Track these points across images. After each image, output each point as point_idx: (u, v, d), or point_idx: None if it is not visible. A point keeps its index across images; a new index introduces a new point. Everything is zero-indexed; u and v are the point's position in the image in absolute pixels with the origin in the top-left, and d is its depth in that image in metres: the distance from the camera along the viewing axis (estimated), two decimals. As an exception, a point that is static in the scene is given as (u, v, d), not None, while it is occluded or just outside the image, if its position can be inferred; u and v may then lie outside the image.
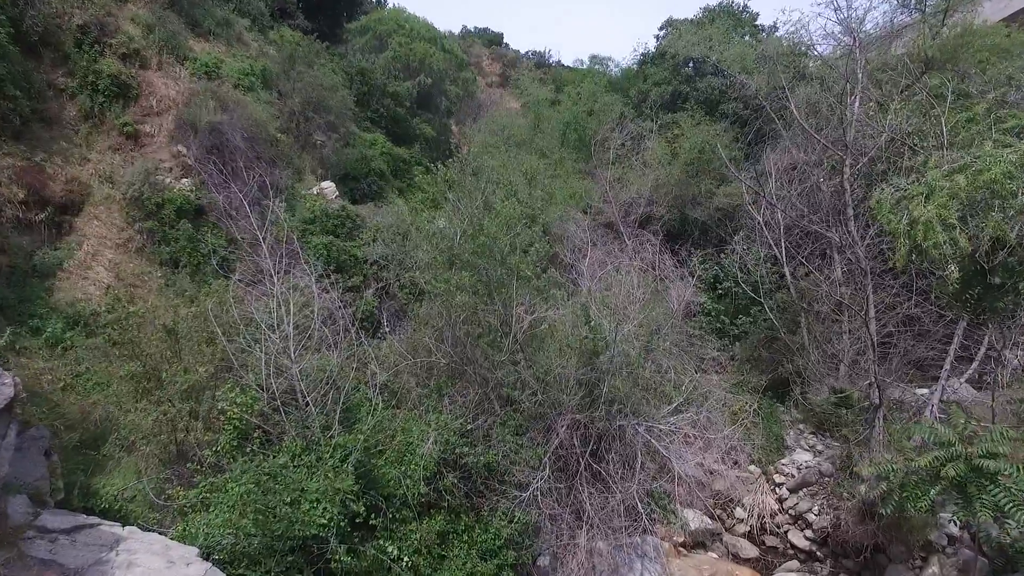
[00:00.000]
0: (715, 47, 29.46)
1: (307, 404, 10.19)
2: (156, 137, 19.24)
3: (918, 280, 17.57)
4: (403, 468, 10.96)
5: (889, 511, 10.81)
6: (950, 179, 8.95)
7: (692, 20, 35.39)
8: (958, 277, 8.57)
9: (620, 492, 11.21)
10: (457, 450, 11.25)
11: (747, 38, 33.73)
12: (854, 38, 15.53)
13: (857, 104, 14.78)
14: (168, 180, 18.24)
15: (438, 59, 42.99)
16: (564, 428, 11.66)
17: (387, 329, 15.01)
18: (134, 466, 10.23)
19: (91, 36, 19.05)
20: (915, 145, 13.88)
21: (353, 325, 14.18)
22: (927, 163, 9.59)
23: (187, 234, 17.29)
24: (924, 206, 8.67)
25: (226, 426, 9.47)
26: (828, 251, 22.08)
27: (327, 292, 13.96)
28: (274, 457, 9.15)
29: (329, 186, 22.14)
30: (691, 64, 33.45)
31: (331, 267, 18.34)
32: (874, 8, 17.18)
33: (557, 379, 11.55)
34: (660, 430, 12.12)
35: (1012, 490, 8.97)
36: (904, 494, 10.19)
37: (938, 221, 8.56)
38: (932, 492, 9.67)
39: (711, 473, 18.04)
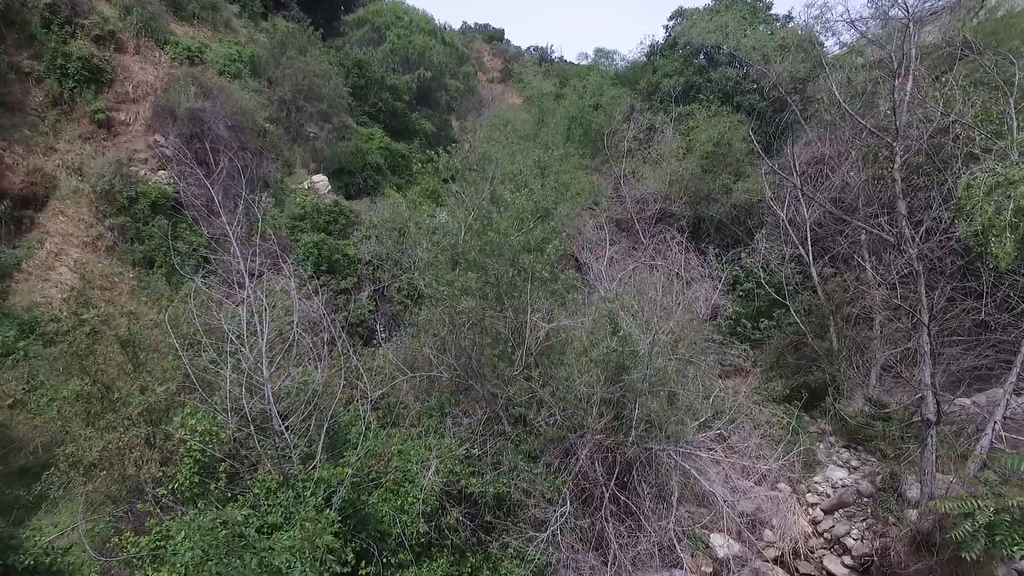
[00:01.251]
0: (731, 35, 27.83)
1: (284, 430, 8.55)
2: (131, 126, 17.64)
3: (967, 280, 15.98)
4: (399, 502, 9.34)
5: (975, 555, 9.19)
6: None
7: (704, 9, 33.76)
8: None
9: (654, 531, 9.58)
10: (462, 481, 9.62)
11: (762, 27, 32.16)
12: (907, 10, 13.90)
13: (910, 85, 13.14)
14: (143, 172, 16.64)
15: (438, 53, 41.87)
16: (586, 453, 10.03)
17: (382, 337, 13.40)
18: (75, 506, 8.60)
19: (61, 16, 17.45)
20: (980, 130, 12.25)
21: (342, 333, 12.57)
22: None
23: (163, 231, 15.66)
24: (1033, 193, 7.08)
25: (184, 459, 7.82)
26: (857, 250, 20.54)
27: (315, 296, 12.35)
28: (238, 504, 7.50)
29: (321, 180, 20.53)
30: (703, 54, 31.85)
31: (322, 267, 16.73)
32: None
33: (578, 397, 9.93)
34: (697, 455, 10.46)
35: None
36: (996, 536, 8.59)
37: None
38: (1033, 536, 8.09)
39: (736, 492, 16.51)
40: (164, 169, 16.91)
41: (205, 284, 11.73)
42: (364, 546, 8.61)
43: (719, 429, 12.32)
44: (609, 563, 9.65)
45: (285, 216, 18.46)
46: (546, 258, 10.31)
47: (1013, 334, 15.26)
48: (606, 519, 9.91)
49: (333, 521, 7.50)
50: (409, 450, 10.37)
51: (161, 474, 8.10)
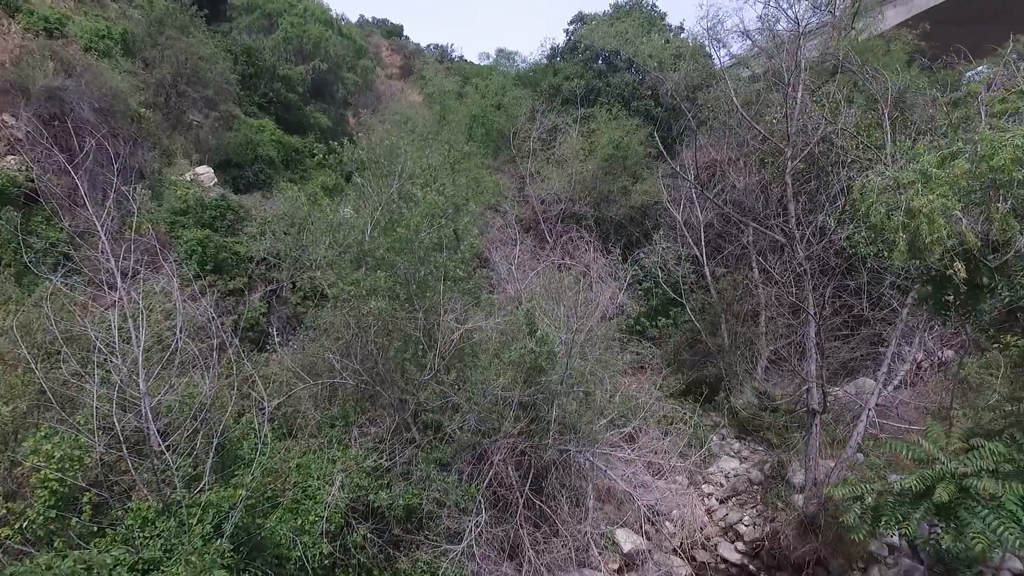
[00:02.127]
0: (630, 41, 28.66)
1: (164, 449, 7.52)
2: (-29, 103, 15.27)
3: (847, 279, 17.25)
4: (299, 522, 8.55)
5: (862, 536, 9.76)
6: (947, 166, 7.91)
7: (604, 15, 34.60)
8: (964, 277, 7.53)
9: (570, 535, 9.40)
10: (370, 495, 8.97)
11: (656, 36, 33.41)
12: (797, 23, 14.77)
13: (800, 92, 13.96)
14: (-13, 157, 14.44)
15: (334, 44, 40.35)
16: (500, 458, 9.69)
17: (278, 341, 12.36)
18: None
19: None
20: (861, 139, 13.19)
21: (234, 338, 11.47)
22: (913, 149, 8.58)
23: (12, 224, 13.63)
24: (924, 195, 7.54)
25: (37, 491, 6.63)
26: (747, 251, 21.71)
27: (201, 297, 11.13)
28: (106, 539, 6.45)
29: (206, 172, 18.84)
30: (603, 59, 32.64)
31: (208, 267, 15.27)
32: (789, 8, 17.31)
33: (494, 401, 9.57)
34: (611, 455, 10.42)
35: (1004, 512, 8.07)
36: (882, 517, 9.16)
37: (940, 213, 7.45)
38: (917, 516, 8.68)
39: (641, 487, 16.88)
40: (13, 154, 14.75)
41: (66, 285, 10.25)
42: (261, 575, 7.78)
43: (630, 428, 12.40)
44: (524, 572, 9.37)
45: (164, 210, 16.72)
46: (460, 256, 9.86)
47: (886, 329, 16.68)
48: (521, 525, 9.63)
49: (224, 552, 6.65)
50: (310, 464, 9.57)
51: (6, 511, 6.82)
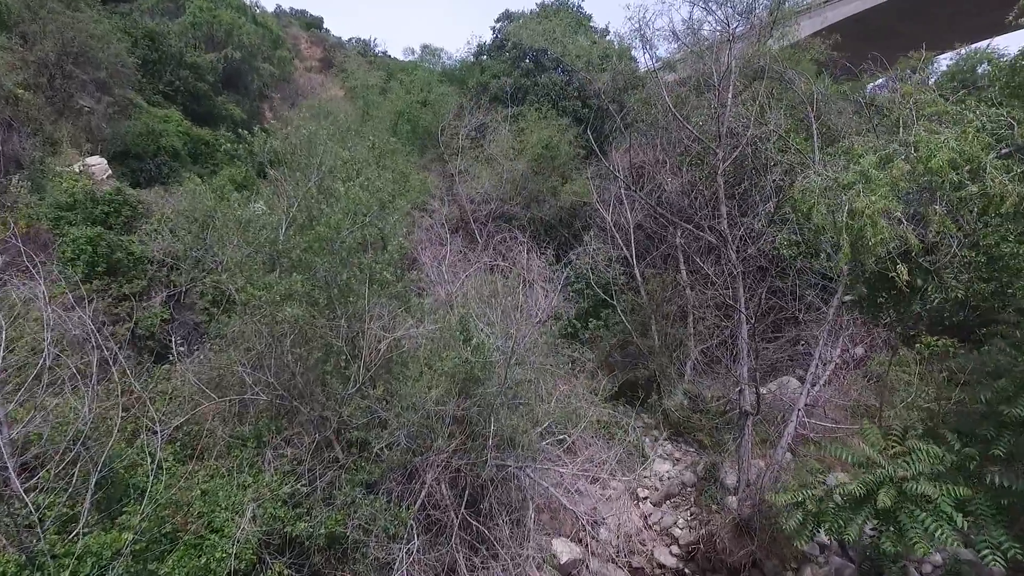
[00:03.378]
0: (559, 40, 28.41)
1: (28, 488, 6.24)
2: None
3: (777, 279, 17.53)
4: (203, 561, 7.42)
5: (805, 542, 9.63)
6: (886, 167, 7.81)
7: (532, 14, 34.30)
8: (905, 279, 7.43)
9: (510, 557, 8.71)
10: (288, 527, 7.94)
11: (581, 38, 33.44)
12: (728, 25, 14.76)
13: (730, 94, 13.93)
14: None
15: (248, 32, 38.51)
16: (433, 477, 8.87)
17: (180, 352, 10.97)
18: None
19: None
20: (792, 140, 13.30)
21: (127, 350, 10.07)
22: (851, 151, 8.49)
23: None
24: (867, 196, 7.38)
25: None
26: (674, 251, 21.84)
27: (84, 304, 9.65)
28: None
29: (99, 163, 16.90)
30: (530, 58, 32.32)
31: (98, 268, 13.54)
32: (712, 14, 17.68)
33: (427, 415, 8.73)
34: (549, 468, 9.81)
35: (940, 513, 8.07)
36: (823, 523, 9.04)
37: (881, 214, 7.31)
38: (859, 521, 8.58)
39: (576, 494, 16.51)
40: None
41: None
42: (154, 629, 6.63)
43: (568, 437, 11.87)
44: (461, 599, 8.62)
45: (47, 204, 14.79)
46: (388, 256, 8.96)
47: (808, 329, 17.04)
48: (457, 549, 8.85)
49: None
50: (217, 491, 8.41)
51: None
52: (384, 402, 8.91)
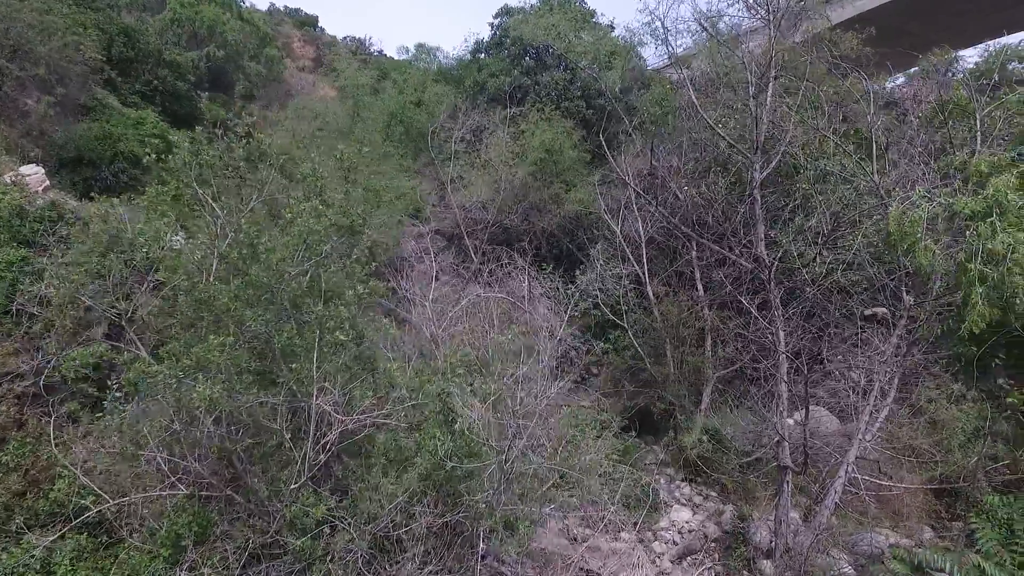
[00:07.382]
0: (563, 36, 26.16)
1: None
2: None
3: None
4: None
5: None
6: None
7: (532, 9, 32.11)
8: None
9: None
10: None
11: (585, 35, 31.25)
12: (768, 9, 12.48)
13: (770, 95, 11.68)
14: None
15: (233, 29, 36.66)
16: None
17: (118, 397, 8.46)
18: None
19: None
20: (845, 148, 11.06)
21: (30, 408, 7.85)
22: (963, 166, 6.31)
23: None
24: (1008, 235, 5.19)
25: None
26: (689, 270, 19.67)
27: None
28: None
29: (35, 172, 14.68)
30: (531, 55, 30.12)
31: (12, 301, 11.29)
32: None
33: (393, 521, 6.50)
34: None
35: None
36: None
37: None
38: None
39: (577, 541, 14.36)
40: None
41: None
42: None
43: (583, 500, 9.72)
44: None
45: (-36, 220, 12.59)
46: (346, 310, 6.68)
47: (846, 355, 14.75)
48: None
49: None
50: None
51: None
52: (338, 500, 6.69)
